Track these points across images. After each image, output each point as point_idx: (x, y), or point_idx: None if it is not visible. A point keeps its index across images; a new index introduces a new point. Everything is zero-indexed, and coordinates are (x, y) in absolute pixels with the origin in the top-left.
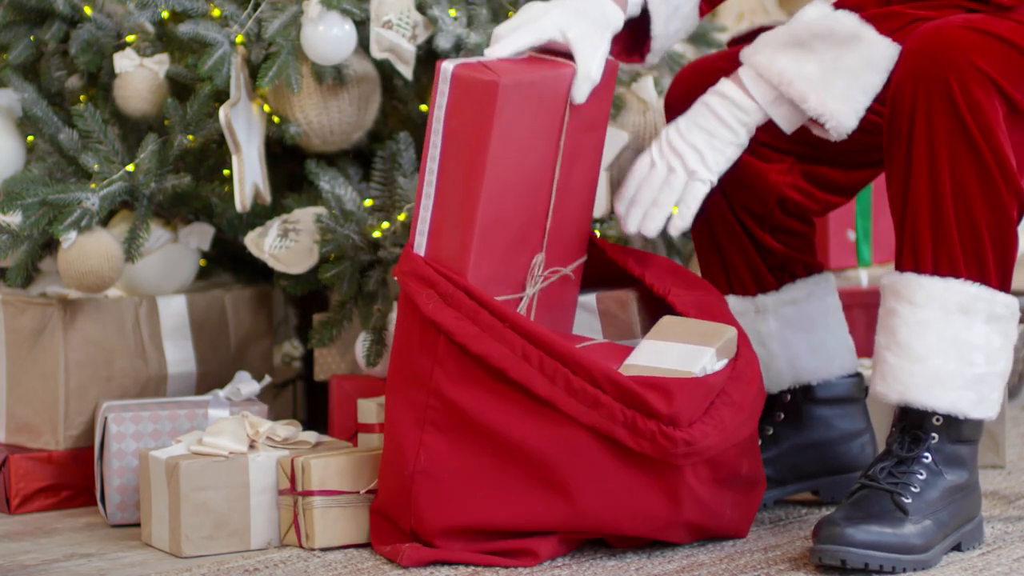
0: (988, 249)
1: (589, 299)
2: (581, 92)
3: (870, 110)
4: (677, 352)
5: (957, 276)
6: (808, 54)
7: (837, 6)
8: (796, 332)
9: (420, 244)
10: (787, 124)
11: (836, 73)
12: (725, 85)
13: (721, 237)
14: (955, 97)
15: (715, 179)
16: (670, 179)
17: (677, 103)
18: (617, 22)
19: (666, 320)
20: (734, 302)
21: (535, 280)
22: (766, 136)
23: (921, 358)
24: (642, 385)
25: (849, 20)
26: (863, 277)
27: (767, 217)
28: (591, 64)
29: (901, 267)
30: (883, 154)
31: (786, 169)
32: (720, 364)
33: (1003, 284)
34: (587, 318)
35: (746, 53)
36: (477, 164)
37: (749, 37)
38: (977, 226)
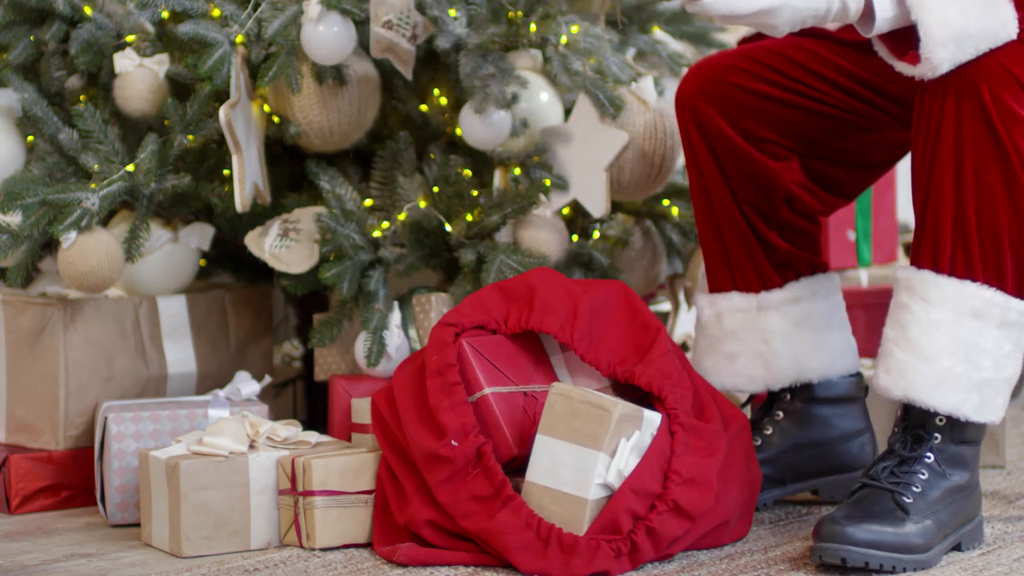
0: (1008, 255)
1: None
2: None
3: (876, 106)
4: (571, 460)
5: (974, 279)
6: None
7: None
8: (800, 330)
9: None
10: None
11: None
12: None
13: (726, 234)
14: (985, 101)
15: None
16: None
17: (687, 101)
18: None
19: (553, 396)
20: (738, 299)
21: None
22: (772, 134)
23: (930, 357)
24: None
25: None
26: (863, 277)
27: (773, 215)
28: None
29: (918, 263)
30: (910, 147)
31: (793, 167)
32: (629, 462)
33: (1020, 290)
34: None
35: None
36: None
37: (759, 36)
38: (999, 231)
